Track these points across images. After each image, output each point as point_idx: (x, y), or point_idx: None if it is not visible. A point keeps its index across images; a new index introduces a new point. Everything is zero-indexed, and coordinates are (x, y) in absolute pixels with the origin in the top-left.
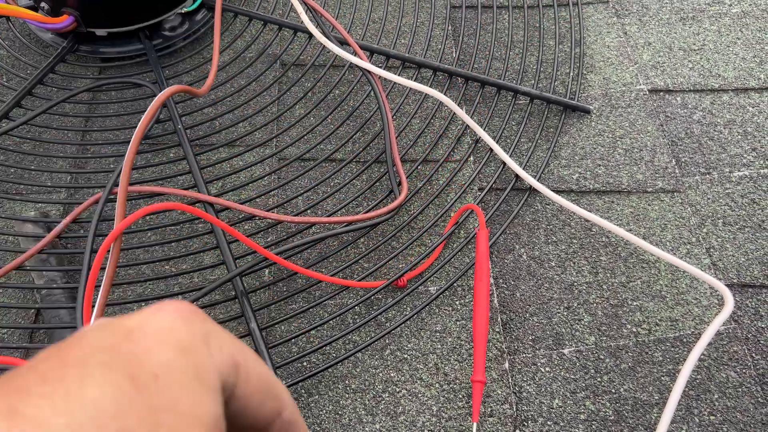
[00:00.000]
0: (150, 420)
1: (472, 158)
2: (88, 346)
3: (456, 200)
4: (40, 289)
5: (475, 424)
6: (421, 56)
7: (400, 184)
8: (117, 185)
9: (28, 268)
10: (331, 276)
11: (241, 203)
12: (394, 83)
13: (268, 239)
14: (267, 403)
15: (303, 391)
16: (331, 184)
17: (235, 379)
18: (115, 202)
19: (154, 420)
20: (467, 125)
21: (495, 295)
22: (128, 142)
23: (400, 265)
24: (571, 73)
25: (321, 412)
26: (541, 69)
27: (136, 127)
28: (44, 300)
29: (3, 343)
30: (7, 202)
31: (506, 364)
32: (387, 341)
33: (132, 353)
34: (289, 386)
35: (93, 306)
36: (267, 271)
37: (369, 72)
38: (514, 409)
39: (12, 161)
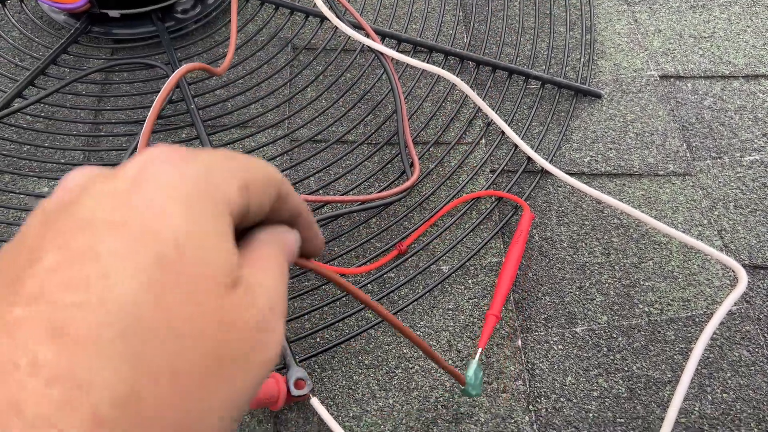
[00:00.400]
0: (188, 300)
1: (483, 141)
2: (93, 228)
3: (468, 182)
4: None
5: (480, 349)
6: (432, 41)
7: (412, 165)
8: None
9: None
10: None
11: None
12: (406, 66)
13: None
14: (282, 207)
15: (316, 366)
16: (343, 165)
17: (247, 201)
18: None
19: (191, 299)
20: (479, 108)
21: None
22: (141, 122)
23: (413, 245)
24: (582, 59)
25: (335, 387)
26: (552, 55)
27: (148, 107)
28: None
29: None
30: (21, 179)
31: (519, 342)
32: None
33: (142, 227)
34: (302, 361)
35: None
36: None
37: (382, 54)
38: (528, 386)
39: (25, 139)
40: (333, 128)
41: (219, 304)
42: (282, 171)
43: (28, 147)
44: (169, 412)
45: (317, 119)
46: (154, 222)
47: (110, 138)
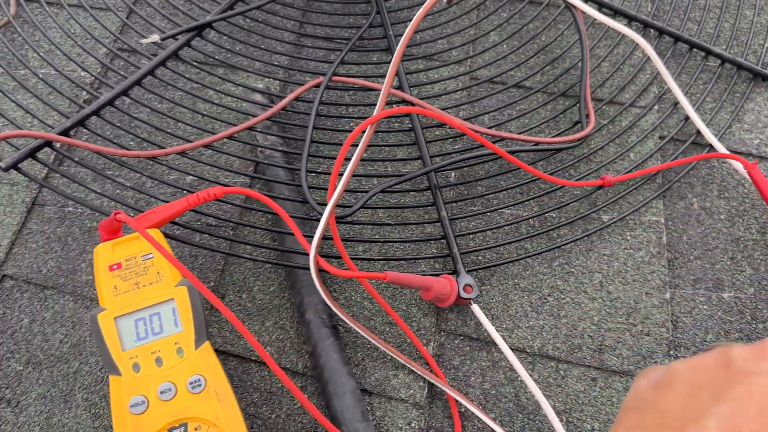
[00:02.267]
0: None
1: (656, 107)
2: None
3: (636, 143)
4: (264, 148)
5: None
6: (618, 4)
7: (587, 117)
8: (336, 74)
9: (259, 129)
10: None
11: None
12: (589, 25)
13: (456, 146)
14: None
15: (477, 279)
16: (517, 108)
17: None
18: (333, 89)
19: None
20: (656, 75)
21: (664, 234)
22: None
23: (576, 191)
24: (766, 44)
25: (491, 301)
26: (735, 36)
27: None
28: (266, 158)
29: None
30: (232, 73)
31: (667, 294)
32: (556, 254)
33: None
34: (468, 272)
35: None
36: (453, 174)
37: (574, 6)
38: (670, 334)
39: (242, 37)
40: (512, 73)
41: None
42: (460, 105)
43: (242, 45)
44: None
45: (498, 62)
46: None
47: (310, 49)
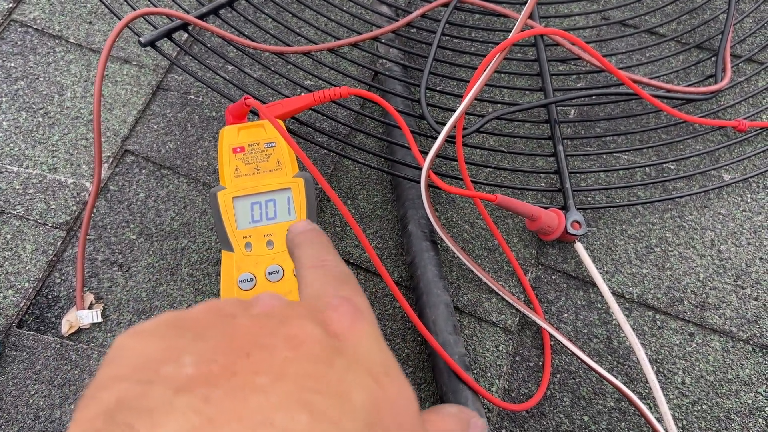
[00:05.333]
0: (393, 412)
1: None
2: (318, 344)
3: None
4: (386, 60)
5: None
6: None
7: (723, 71)
8: None
9: (383, 41)
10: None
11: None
12: None
13: (578, 84)
14: None
15: (584, 220)
16: (647, 54)
17: None
18: (461, 10)
19: (395, 412)
20: None
21: None
22: None
23: (700, 146)
24: None
25: (596, 242)
26: None
27: None
28: (386, 69)
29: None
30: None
31: None
32: (669, 206)
33: (357, 355)
34: (578, 209)
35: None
36: (573, 111)
37: None
38: None
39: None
40: (646, 17)
41: (413, 419)
42: (588, 44)
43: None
44: None
45: (633, 5)
46: (366, 354)
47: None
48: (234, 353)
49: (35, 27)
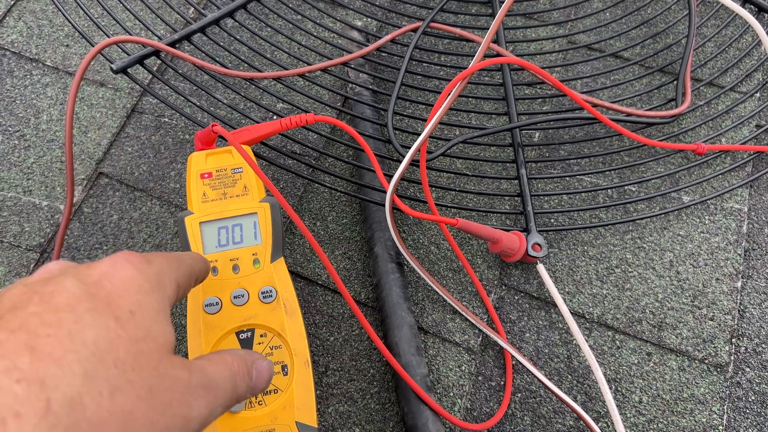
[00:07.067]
0: (133, 349)
1: (758, 95)
2: (70, 294)
3: (730, 129)
4: (355, 85)
5: None
6: None
7: (684, 95)
8: (434, 21)
9: (352, 66)
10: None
11: None
12: (699, 2)
13: (544, 108)
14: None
15: (546, 241)
16: (611, 78)
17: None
18: (429, 35)
19: (136, 348)
20: (763, 61)
21: (745, 223)
22: None
23: (660, 169)
24: None
25: (558, 263)
26: None
27: None
28: (355, 94)
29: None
30: (332, 9)
31: (739, 284)
32: (630, 227)
33: (108, 299)
34: (539, 232)
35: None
36: (537, 134)
37: None
38: (735, 323)
39: None
40: (611, 41)
41: (159, 356)
42: (555, 66)
43: None
44: (105, 417)
45: (598, 29)
46: (117, 298)
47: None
48: (9, 313)
49: (12, 50)
